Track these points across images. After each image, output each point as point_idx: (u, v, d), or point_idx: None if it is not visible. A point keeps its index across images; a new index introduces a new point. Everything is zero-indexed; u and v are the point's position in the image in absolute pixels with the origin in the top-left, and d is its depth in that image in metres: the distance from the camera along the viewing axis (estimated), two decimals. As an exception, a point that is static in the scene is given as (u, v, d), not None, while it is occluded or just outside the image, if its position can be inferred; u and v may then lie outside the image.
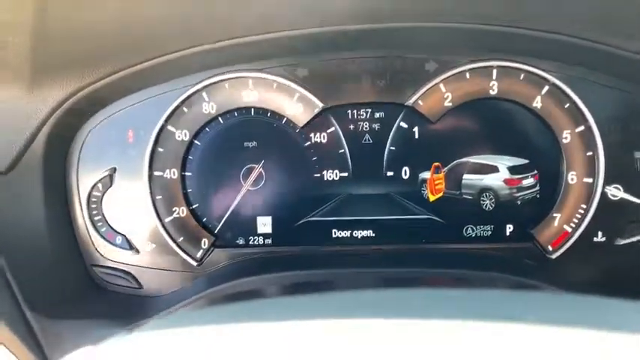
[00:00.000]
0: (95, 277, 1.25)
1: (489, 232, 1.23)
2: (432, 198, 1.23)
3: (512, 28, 1.09)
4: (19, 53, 1.01)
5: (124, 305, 1.23)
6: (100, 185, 1.23)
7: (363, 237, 1.24)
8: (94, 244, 1.24)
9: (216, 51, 1.13)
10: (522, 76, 1.18)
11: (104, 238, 1.24)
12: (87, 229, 1.24)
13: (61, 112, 1.14)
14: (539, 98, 1.19)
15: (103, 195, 1.23)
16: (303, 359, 0.38)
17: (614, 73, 1.17)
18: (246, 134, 1.24)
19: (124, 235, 1.24)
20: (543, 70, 1.17)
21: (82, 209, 1.24)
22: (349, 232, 1.24)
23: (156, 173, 1.23)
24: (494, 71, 1.19)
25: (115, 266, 1.24)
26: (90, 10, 0.94)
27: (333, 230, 1.24)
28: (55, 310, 1.10)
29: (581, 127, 1.18)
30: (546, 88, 1.18)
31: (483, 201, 1.22)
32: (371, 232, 1.24)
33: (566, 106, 1.18)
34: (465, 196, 1.23)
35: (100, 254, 1.24)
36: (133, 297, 1.24)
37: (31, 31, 0.95)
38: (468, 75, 1.19)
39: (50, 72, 1.08)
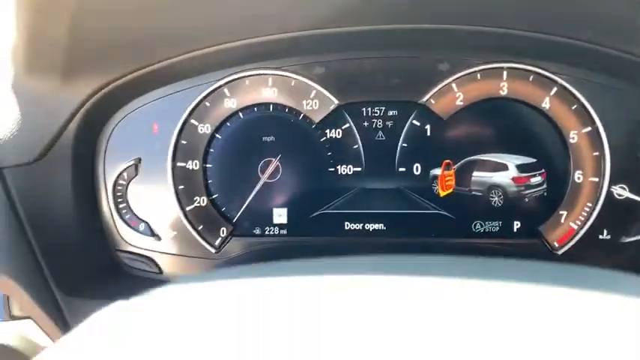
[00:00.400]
0: (118, 262, 1.31)
1: (497, 228, 1.27)
2: (442, 194, 1.27)
3: (523, 32, 1.13)
4: (55, 46, 1.08)
5: (145, 289, 1.28)
6: (125, 174, 1.30)
7: (374, 230, 1.29)
8: (118, 230, 1.31)
9: (238, 49, 1.19)
10: (532, 77, 1.23)
11: (128, 224, 1.30)
12: (112, 215, 1.30)
13: (91, 104, 1.21)
14: (547, 99, 1.23)
15: (128, 184, 1.30)
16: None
17: (622, 76, 1.20)
18: (265, 129, 1.30)
19: (147, 222, 1.30)
20: (552, 72, 1.22)
21: (107, 197, 1.30)
22: (361, 224, 1.29)
23: (179, 164, 1.29)
24: (505, 72, 1.23)
25: (137, 251, 1.31)
26: (123, 9, 1.01)
27: (346, 222, 1.29)
28: (81, 290, 1.17)
29: (588, 128, 1.22)
30: (555, 89, 1.22)
31: (492, 198, 1.27)
32: (382, 225, 1.29)
33: (573, 108, 1.22)
34: (474, 192, 1.27)
35: (124, 240, 1.31)
36: (154, 281, 1.30)
37: (69, 25, 1.01)
38: (479, 76, 1.24)
39: (84, 65, 1.15)
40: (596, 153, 1.22)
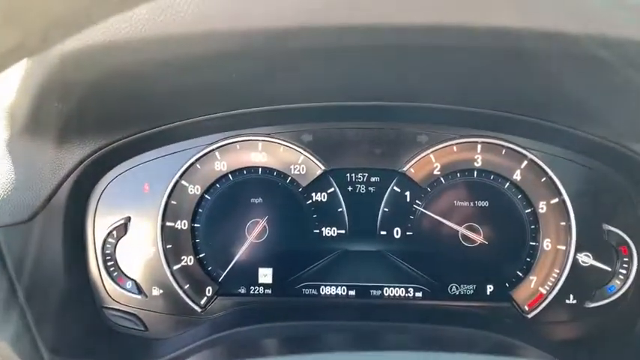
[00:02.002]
0: (105, 319, 1.33)
1: (472, 291, 1.34)
2: (420, 257, 1.34)
3: (496, 112, 1.23)
4: (55, 113, 1.12)
5: (131, 347, 1.30)
6: (114, 233, 1.33)
7: (356, 292, 1.34)
8: (105, 288, 1.33)
9: (230, 117, 1.25)
10: (504, 151, 1.32)
11: (115, 282, 1.33)
12: (100, 273, 1.33)
13: (85, 166, 1.24)
14: (518, 171, 1.32)
15: (117, 242, 1.33)
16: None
17: (587, 152, 1.30)
18: (253, 191, 1.35)
19: (134, 280, 1.33)
20: (523, 147, 1.31)
21: (96, 255, 1.33)
22: (344, 287, 1.35)
23: (168, 224, 1.33)
24: (479, 146, 1.32)
25: (123, 309, 1.33)
26: (119, 80, 1.06)
27: (329, 285, 1.34)
28: (67, 350, 1.18)
29: (556, 199, 1.31)
30: (525, 162, 1.32)
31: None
32: (363, 288, 1.35)
33: (542, 180, 1.32)
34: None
35: (111, 297, 1.33)
36: (139, 339, 1.32)
37: (71, 95, 1.06)
38: (455, 148, 1.32)
39: (80, 130, 1.18)
40: (563, 223, 1.31)
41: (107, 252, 1.33)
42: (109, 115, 1.16)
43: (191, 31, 0.86)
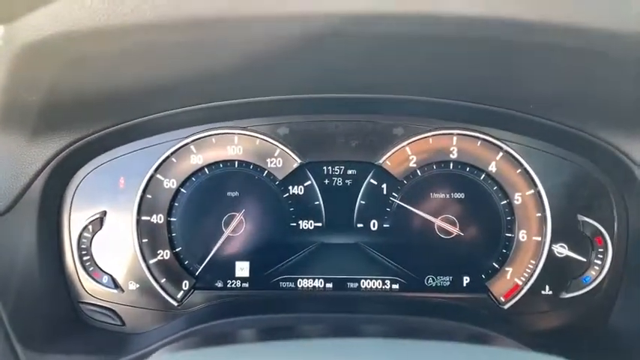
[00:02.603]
0: (81, 314, 1.32)
1: (448, 283, 1.34)
2: (397, 249, 1.35)
3: (472, 104, 1.23)
4: (28, 106, 1.11)
5: (107, 341, 1.30)
6: (90, 227, 1.32)
7: (333, 285, 1.35)
8: (81, 282, 1.32)
9: (206, 110, 1.25)
10: (479, 143, 1.32)
11: (91, 276, 1.32)
12: (75, 268, 1.32)
13: (59, 160, 1.23)
14: (494, 163, 1.32)
15: (92, 236, 1.32)
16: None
17: (562, 144, 1.31)
18: (229, 184, 1.35)
19: (110, 275, 1.33)
20: (498, 139, 1.32)
21: (72, 249, 1.32)
22: (321, 279, 1.35)
23: (143, 218, 1.33)
24: (455, 138, 1.33)
25: (100, 303, 1.32)
26: (92, 75, 1.05)
27: (306, 277, 1.35)
28: (43, 345, 1.17)
29: (532, 191, 1.32)
30: (500, 154, 1.32)
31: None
32: (340, 280, 1.35)
33: (518, 172, 1.32)
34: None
35: (87, 292, 1.32)
36: (116, 333, 1.32)
37: (44, 89, 1.05)
38: (431, 140, 1.33)
39: (53, 123, 1.18)
40: (539, 214, 1.32)
41: (83, 246, 1.32)
42: (81, 108, 1.15)
43: (159, 19, 0.85)
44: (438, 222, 1.33)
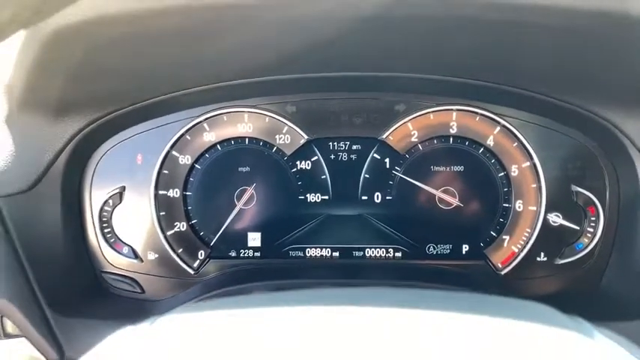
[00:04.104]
0: (103, 283, 1.41)
1: (448, 251, 1.42)
2: (400, 220, 1.43)
3: (470, 80, 1.30)
4: (51, 87, 1.18)
5: (128, 308, 1.39)
6: (110, 201, 1.40)
7: (340, 253, 1.43)
8: (103, 253, 1.41)
9: (218, 89, 1.32)
10: (478, 118, 1.39)
11: (113, 248, 1.41)
12: (97, 240, 1.40)
13: (80, 138, 1.31)
14: (491, 137, 1.39)
15: (113, 210, 1.40)
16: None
17: (557, 119, 1.37)
18: (241, 160, 1.42)
19: (131, 246, 1.41)
20: (496, 114, 1.38)
21: (93, 222, 1.40)
22: (328, 248, 1.43)
23: (161, 192, 1.41)
24: (454, 113, 1.39)
25: (121, 273, 1.41)
26: (114, 57, 1.12)
27: (313, 247, 1.43)
28: (70, 310, 1.26)
29: (527, 163, 1.39)
30: (498, 129, 1.39)
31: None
32: (347, 249, 1.43)
33: (514, 145, 1.39)
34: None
35: (109, 262, 1.41)
36: (136, 300, 1.41)
37: (67, 70, 1.12)
38: (431, 116, 1.39)
39: (75, 103, 1.25)
40: (534, 185, 1.39)
41: (104, 219, 1.40)
42: (101, 90, 1.23)
43: (180, 4, 0.92)
44: (438, 194, 1.41)
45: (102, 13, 0.89)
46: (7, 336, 1.23)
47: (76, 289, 1.34)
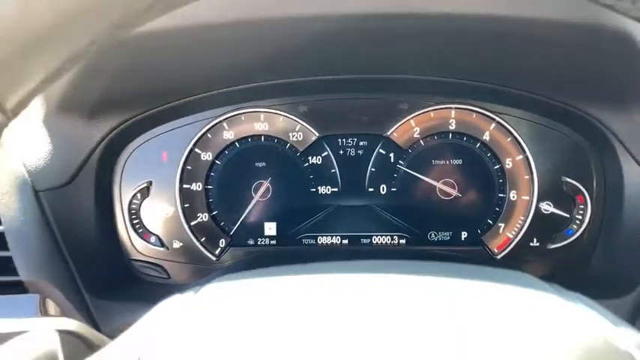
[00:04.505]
0: (133, 269, 1.54)
1: (448, 237, 1.55)
2: (404, 209, 1.56)
3: (467, 81, 1.42)
4: (87, 93, 1.31)
5: (155, 292, 1.51)
6: (138, 195, 1.53)
7: (348, 241, 1.56)
8: (132, 242, 1.54)
9: (236, 92, 1.45)
10: (474, 115, 1.51)
11: (141, 237, 1.54)
12: (127, 230, 1.53)
13: (111, 137, 1.43)
14: (487, 133, 1.51)
15: (141, 203, 1.53)
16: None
17: (547, 115, 1.49)
18: (257, 156, 1.55)
19: (157, 235, 1.54)
20: (491, 112, 1.50)
21: (123, 215, 1.53)
22: (338, 236, 1.56)
23: (184, 186, 1.53)
24: (453, 111, 1.51)
25: (149, 260, 1.54)
26: (153, 61, 1.25)
27: (324, 235, 1.56)
28: (104, 293, 1.39)
29: (520, 156, 1.51)
30: (493, 125, 1.51)
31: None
32: (354, 237, 1.56)
33: (508, 140, 1.51)
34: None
35: (137, 250, 1.54)
36: (163, 285, 1.53)
37: (107, 77, 1.25)
38: (432, 114, 1.51)
39: (107, 106, 1.38)
40: (527, 176, 1.51)
41: (133, 212, 1.53)
42: (134, 93, 1.36)
43: (223, 19, 1.06)
44: (439, 185, 1.53)
45: (160, 26, 1.02)
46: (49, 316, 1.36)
47: (109, 275, 1.47)
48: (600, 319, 0.69)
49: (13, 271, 1.30)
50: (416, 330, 0.57)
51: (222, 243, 1.55)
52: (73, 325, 0.84)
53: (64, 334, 0.80)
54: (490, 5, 1.02)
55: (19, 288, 1.31)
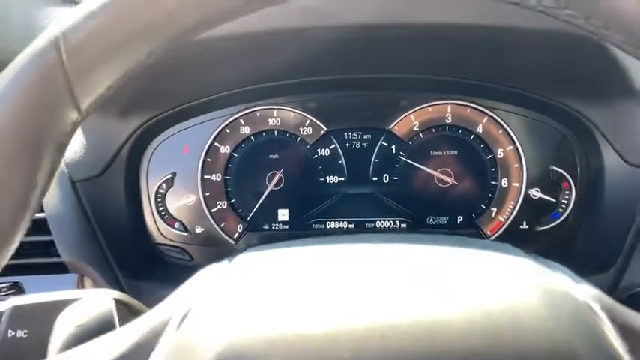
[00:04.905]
0: (159, 252, 1.69)
1: (445, 221, 1.68)
2: (405, 197, 1.70)
3: (462, 79, 1.56)
4: (121, 92, 1.46)
5: (179, 272, 1.63)
6: (164, 185, 1.68)
7: (354, 225, 1.71)
8: (158, 228, 1.68)
9: (252, 91, 1.59)
10: (469, 110, 1.65)
11: (166, 223, 1.68)
12: (154, 217, 1.68)
13: (139, 132, 1.59)
14: (481, 126, 1.65)
15: (166, 192, 1.68)
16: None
17: (535, 109, 1.62)
18: (271, 149, 1.68)
19: (181, 221, 1.68)
20: (484, 107, 1.63)
21: (150, 203, 1.67)
22: (345, 221, 1.71)
23: (205, 177, 1.67)
24: (449, 107, 1.65)
25: (173, 244, 1.68)
26: (187, 63, 1.39)
27: (333, 220, 1.71)
28: (134, 273, 1.53)
29: (511, 147, 1.65)
30: (486, 118, 1.65)
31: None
32: (359, 221, 1.71)
33: (500, 132, 1.65)
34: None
35: (163, 235, 1.69)
36: (186, 267, 1.68)
37: (143, 76, 1.39)
38: (430, 109, 1.65)
39: (136, 105, 1.53)
40: (517, 165, 1.65)
41: (159, 200, 1.68)
42: (161, 93, 1.51)
43: (258, 30, 1.21)
44: (436, 174, 1.67)
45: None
46: (90, 292, 1.51)
47: (138, 257, 1.61)
48: (565, 276, 0.82)
49: (55, 254, 1.46)
50: (401, 273, 0.69)
51: (239, 228, 1.70)
52: (117, 294, 0.98)
53: (115, 300, 0.94)
54: (471, 16, 1.17)
55: (59, 268, 1.47)
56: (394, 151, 1.68)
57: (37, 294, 1.08)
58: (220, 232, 1.68)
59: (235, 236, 1.69)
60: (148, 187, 1.68)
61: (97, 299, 0.91)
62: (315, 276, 0.72)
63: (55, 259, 1.46)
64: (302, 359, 0.54)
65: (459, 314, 0.60)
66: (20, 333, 0.98)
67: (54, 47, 0.55)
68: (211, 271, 0.90)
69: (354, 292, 0.66)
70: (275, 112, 1.68)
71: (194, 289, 0.78)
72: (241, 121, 1.68)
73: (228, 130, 1.68)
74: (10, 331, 0.98)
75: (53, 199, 1.48)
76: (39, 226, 1.44)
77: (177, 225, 1.69)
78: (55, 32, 0.55)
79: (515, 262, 0.82)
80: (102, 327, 0.84)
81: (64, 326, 0.83)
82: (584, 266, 1.55)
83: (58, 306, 0.87)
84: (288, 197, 1.70)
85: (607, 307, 0.67)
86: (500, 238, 1.66)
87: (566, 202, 1.65)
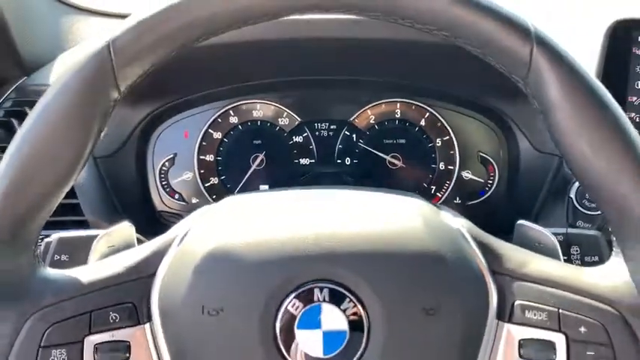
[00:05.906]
0: (161, 219, 2.05)
1: (395, 197, 2.09)
2: (363, 176, 2.10)
3: (410, 83, 1.97)
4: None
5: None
6: (166, 164, 2.02)
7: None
8: (161, 199, 2.02)
9: (241, 87, 1.98)
10: (414, 107, 2.04)
11: (168, 195, 2.02)
12: (158, 189, 2.02)
13: (147, 119, 1.96)
14: (423, 120, 2.04)
15: (168, 170, 2.02)
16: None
17: (466, 106, 2.03)
18: (255, 135, 2.01)
19: (180, 193, 2.03)
20: (426, 104, 2.02)
21: (155, 178, 2.01)
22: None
23: (201, 157, 2.03)
24: (398, 104, 2.03)
25: (173, 212, 2.05)
26: (197, 65, 1.76)
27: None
28: (141, 233, 1.91)
29: (447, 137, 2.03)
30: (427, 114, 2.04)
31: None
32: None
33: (438, 125, 2.03)
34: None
35: (165, 204, 2.04)
36: (184, 231, 2.05)
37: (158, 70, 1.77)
38: (383, 106, 2.00)
39: (146, 96, 1.90)
40: (452, 152, 2.04)
41: (162, 176, 2.03)
42: (167, 88, 1.88)
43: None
44: (388, 158, 2.03)
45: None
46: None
47: (145, 221, 1.98)
48: (448, 213, 1.14)
49: (81, 213, 1.82)
50: (333, 202, 1.05)
51: (228, 200, 2.07)
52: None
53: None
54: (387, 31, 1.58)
55: (84, 225, 1.83)
56: (355, 139, 2.06)
57: (75, 230, 1.44)
58: (212, 202, 2.04)
59: (225, 206, 2.06)
60: (153, 164, 2.04)
61: (122, 229, 1.21)
62: (277, 207, 1.09)
63: (80, 218, 1.81)
64: (266, 254, 0.79)
65: (362, 226, 0.85)
66: (63, 257, 1.34)
67: (106, 48, 0.73)
68: (204, 209, 1.27)
69: (302, 216, 0.87)
70: (258, 105, 2.05)
71: (192, 218, 1.00)
72: (231, 112, 2.05)
73: (220, 120, 2.05)
74: (55, 255, 1.33)
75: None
76: (69, 192, 1.80)
77: (176, 196, 2.06)
78: (107, 37, 0.72)
79: (414, 200, 1.19)
80: (126, 247, 1.02)
81: (99, 247, 1.00)
82: (504, 232, 1.96)
83: (91, 238, 1.01)
84: (268, 175, 2.06)
85: (474, 231, 0.91)
86: (438, 210, 2.07)
87: (491, 181, 2.05)
